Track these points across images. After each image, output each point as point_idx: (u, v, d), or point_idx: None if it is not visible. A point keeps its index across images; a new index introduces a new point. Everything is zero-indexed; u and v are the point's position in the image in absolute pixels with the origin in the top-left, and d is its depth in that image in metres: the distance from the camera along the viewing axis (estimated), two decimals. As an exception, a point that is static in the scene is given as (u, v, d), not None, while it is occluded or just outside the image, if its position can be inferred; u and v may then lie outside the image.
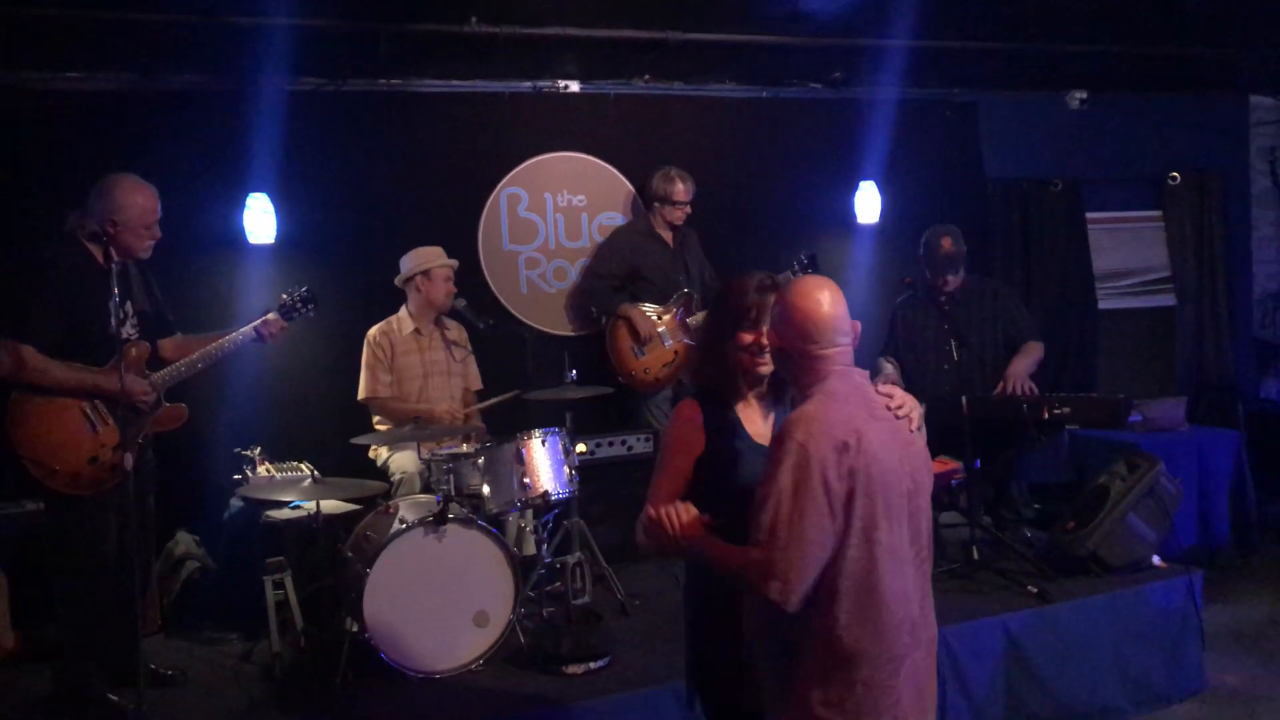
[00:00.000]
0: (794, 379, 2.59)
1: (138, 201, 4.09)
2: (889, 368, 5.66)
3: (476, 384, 5.59)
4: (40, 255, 4.08)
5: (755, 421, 2.78)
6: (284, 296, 4.58)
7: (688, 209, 6.07)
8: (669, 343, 5.96)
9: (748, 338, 2.73)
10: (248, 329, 4.43)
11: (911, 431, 2.55)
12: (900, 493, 2.46)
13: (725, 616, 2.64)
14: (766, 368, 2.74)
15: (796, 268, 5.97)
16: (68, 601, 4.06)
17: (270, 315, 4.49)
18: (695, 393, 2.84)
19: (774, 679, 2.54)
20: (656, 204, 6.06)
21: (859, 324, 2.58)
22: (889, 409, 2.53)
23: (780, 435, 2.43)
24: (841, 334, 2.51)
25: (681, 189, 6.01)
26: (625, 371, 5.94)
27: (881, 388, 2.59)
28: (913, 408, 2.59)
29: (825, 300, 2.51)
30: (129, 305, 4.18)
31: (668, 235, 6.11)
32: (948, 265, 5.62)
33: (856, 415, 2.43)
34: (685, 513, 2.52)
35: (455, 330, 5.55)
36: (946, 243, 5.62)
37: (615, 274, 6.06)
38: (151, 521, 4.42)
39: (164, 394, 4.24)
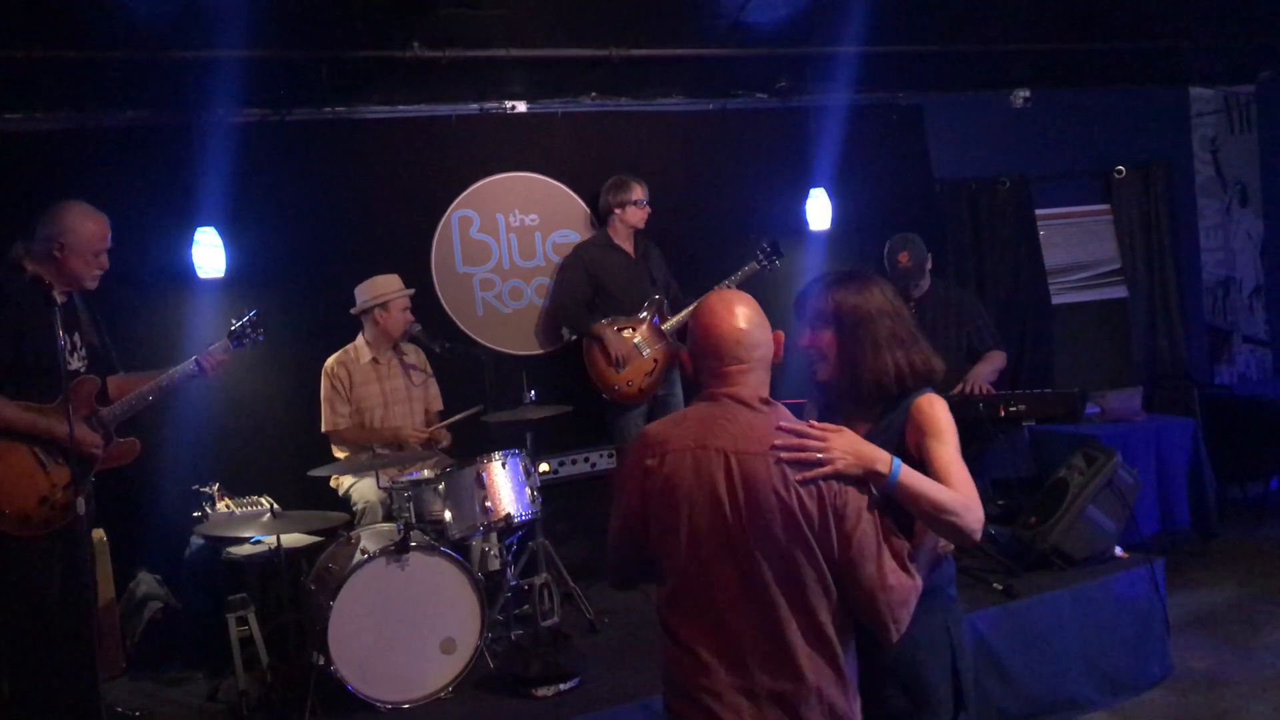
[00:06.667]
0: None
1: (88, 227, 4.02)
2: None
3: (438, 404, 5.57)
4: None
5: None
6: (233, 323, 4.48)
7: (648, 208, 6.04)
8: (647, 352, 5.92)
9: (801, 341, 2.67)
10: (188, 363, 4.31)
11: (797, 476, 2.24)
12: (714, 530, 2.26)
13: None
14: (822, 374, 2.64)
15: (760, 256, 6.00)
16: (15, 649, 3.97)
17: (214, 345, 4.38)
18: None
19: None
20: (616, 211, 6.02)
21: (780, 334, 2.47)
22: (775, 446, 2.26)
23: None
24: (741, 352, 2.37)
25: (638, 188, 6.00)
26: (608, 387, 5.89)
27: (797, 424, 2.33)
28: (832, 451, 2.27)
29: (731, 316, 2.40)
30: (76, 336, 4.08)
31: (628, 246, 6.08)
32: (907, 278, 5.66)
33: (678, 439, 2.34)
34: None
35: (413, 354, 5.52)
36: (903, 258, 5.67)
37: (582, 289, 6.01)
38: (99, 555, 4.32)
39: (114, 429, 4.14)
